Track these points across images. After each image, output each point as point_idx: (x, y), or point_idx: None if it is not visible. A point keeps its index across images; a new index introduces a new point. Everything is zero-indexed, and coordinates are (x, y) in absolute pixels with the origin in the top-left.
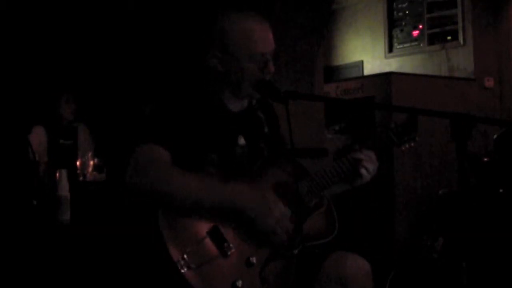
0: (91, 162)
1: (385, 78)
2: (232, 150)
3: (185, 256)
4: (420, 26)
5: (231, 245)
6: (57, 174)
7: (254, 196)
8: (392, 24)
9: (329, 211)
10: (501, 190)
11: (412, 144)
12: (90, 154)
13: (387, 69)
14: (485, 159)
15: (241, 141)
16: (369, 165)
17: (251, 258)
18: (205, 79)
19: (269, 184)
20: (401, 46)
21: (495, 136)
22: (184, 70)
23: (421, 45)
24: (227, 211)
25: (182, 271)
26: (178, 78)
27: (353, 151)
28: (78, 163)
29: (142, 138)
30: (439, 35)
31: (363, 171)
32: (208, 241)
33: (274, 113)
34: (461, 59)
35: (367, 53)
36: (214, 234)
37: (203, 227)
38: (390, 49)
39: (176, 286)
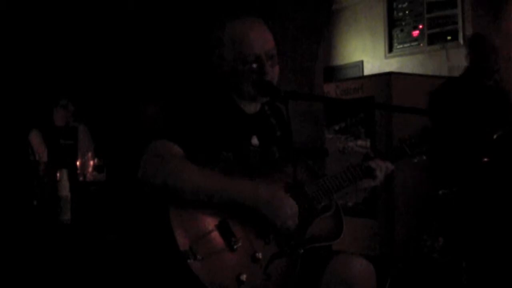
0: (91, 162)
1: (385, 78)
2: (246, 149)
3: (192, 246)
4: (420, 26)
5: (238, 239)
6: (57, 174)
7: (266, 193)
8: (392, 24)
9: (337, 214)
10: (501, 190)
11: (424, 157)
12: (90, 154)
13: (387, 69)
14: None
15: (255, 141)
16: (380, 175)
17: (257, 254)
18: (215, 81)
19: (280, 184)
20: (401, 46)
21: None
22: (195, 70)
23: (421, 45)
24: (237, 205)
25: (189, 261)
26: (191, 78)
27: (367, 160)
28: (78, 163)
29: (155, 135)
30: (439, 35)
31: (374, 180)
32: (216, 234)
33: (285, 119)
34: (461, 59)
35: (367, 53)
36: (223, 228)
37: (212, 220)
38: (390, 49)
39: (182, 276)
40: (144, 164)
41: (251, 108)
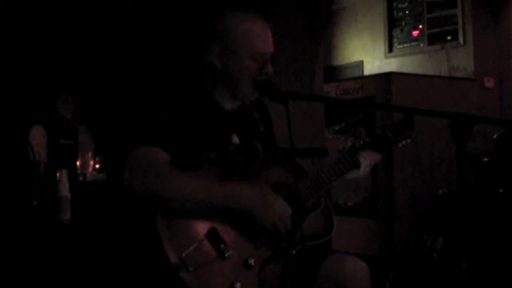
0: (91, 162)
1: (385, 78)
2: (226, 149)
3: (182, 258)
4: (420, 26)
5: (229, 247)
6: (57, 174)
7: (254, 193)
8: (392, 24)
9: (326, 210)
10: (501, 190)
11: (409, 141)
12: (90, 154)
13: (387, 69)
14: (485, 159)
15: (235, 139)
16: (366, 167)
17: (249, 260)
18: (201, 77)
19: (267, 183)
20: (401, 46)
21: (495, 136)
22: (180, 69)
23: (421, 45)
24: (226, 210)
25: (180, 273)
26: (173, 77)
27: (353, 151)
28: (78, 163)
29: (138, 140)
30: (439, 35)
31: (361, 170)
32: (206, 243)
33: (268, 114)
34: (461, 59)
35: (367, 53)
36: (212, 236)
37: (201, 229)
38: (390, 49)
39: None
40: (129, 172)
41: (231, 104)
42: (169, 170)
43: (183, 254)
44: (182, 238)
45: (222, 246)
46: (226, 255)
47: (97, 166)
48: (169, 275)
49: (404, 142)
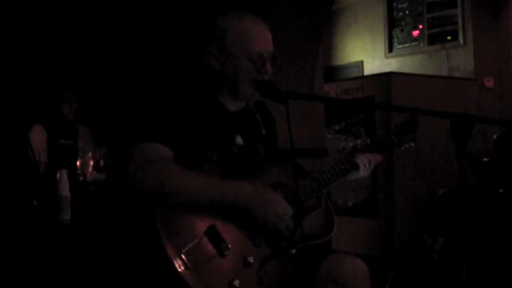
0: (91, 162)
1: (385, 78)
2: (229, 149)
3: (182, 255)
4: (420, 26)
5: (228, 244)
6: (57, 174)
7: (256, 193)
8: (392, 24)
9: (327, 210)
10: (501, 190)
11: (412, 144)
12: (90, 154)
13: (387, 69)
14: (485, 159)
15: (238, 140)
16: (367, 168)
17: (248, 258)
18: (203, 78)
19: (268, 183)
20: (401, 46)
21: (495, 136)
22: (182, 69)
23: (421, 45)
24: (227, 208)
25: (179, 270)
26: (176, 77)
27: (355, 152)
28: (78, 163)
29: (139, 137)
30: (439, 35)
31: (361, 172)
32: (205, 240)
33: (270, 115)
34: (461, 59)
35: (367, 53)
36: (212, 234)
37: (201, 227)
38: (390, 49)
39: (173, 285)
40: (131, 168)
41: (235, 105)
42: (169, 166)
43: (183, 251)
44: (182, 236)
45: (221, 243)
46: (225, 253)
47: (101, 162)
48: (169, 273)
49: (407, 145)
